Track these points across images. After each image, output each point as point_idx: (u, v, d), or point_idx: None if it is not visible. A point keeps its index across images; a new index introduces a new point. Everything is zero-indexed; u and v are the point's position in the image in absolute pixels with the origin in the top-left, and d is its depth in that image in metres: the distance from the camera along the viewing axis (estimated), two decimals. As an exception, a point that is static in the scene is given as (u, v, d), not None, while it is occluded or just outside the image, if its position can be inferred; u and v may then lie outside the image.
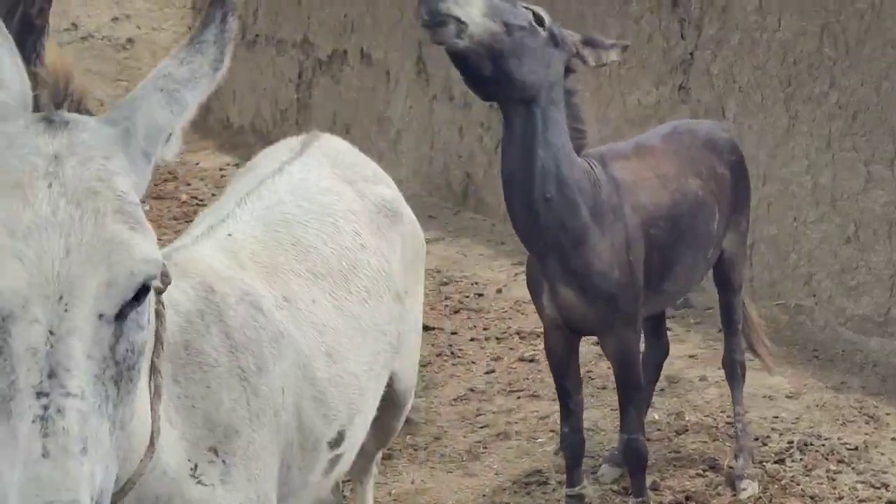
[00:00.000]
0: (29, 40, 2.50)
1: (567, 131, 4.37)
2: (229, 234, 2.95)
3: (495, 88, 4.24)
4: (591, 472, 5.38)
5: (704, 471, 5.44)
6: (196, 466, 2.46)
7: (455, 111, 10.53)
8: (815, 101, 6.94)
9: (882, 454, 5.50)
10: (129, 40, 15.79)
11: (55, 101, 1.96)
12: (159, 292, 2.22)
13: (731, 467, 5.30)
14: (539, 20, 4.19)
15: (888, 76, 6.47)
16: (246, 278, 2.78)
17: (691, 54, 7.80)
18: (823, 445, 5.60)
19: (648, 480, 5.20)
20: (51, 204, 1.79)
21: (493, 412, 6.22)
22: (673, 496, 5.17)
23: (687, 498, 5.18)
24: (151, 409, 2.25)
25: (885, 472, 5.30)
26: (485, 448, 5.77)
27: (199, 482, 2.45)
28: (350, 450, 3.12)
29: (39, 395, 1.71)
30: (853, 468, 5.37)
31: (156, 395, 2.27)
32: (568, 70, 4.42)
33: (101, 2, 15.50)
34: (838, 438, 5.68)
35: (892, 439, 5.65)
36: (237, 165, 13.13)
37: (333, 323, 2.98)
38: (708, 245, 4.99)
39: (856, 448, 5.56)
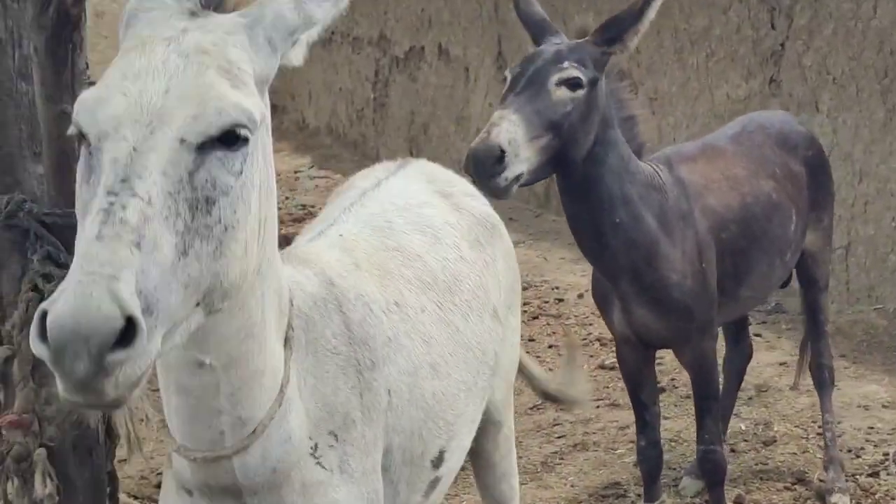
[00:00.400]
0: (65, 31, 2.51)
1: (623, 141, 4.27)
2: (340, 235, 3.00)
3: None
4: (672, 484, 5.36)
5: (793, 484, 5.37)
6: (316, 447, 2.52)
7: (536, 109, 10.52)
8: (915, 93, 6.85)
9: None
10: None
11: (204, 2, 2.19)
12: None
13: (821, 480, 5.22)
14: (576, 84, 3.99)
15: None
16: (360, 279, 2.81)
17: (782, 45, 7.72)
18: (922, 458, 5.52)
19: (733, 494, 5.16)
20: (163, 56, 2.03)
21: (571, 422, 6.19)
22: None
23: (774, 512, 5.13)
24: (284, 361, 2.41)
25: None
26: (561, 459, 5.76)
27: (318, 463, 2.52)
28: (447, 475, 3.05)
29: (110, 193, 1.89)
30: (957, 481, 5.29)
31: (288, 346, 2.44)
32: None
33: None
34: (941, 451, 5.59)
35: None
36: (312, 167, 13.28)
37: (438, 335, 2.95)
38: (785, 249, 4.91)
39: (958, 461, 5.46)
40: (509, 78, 4.08)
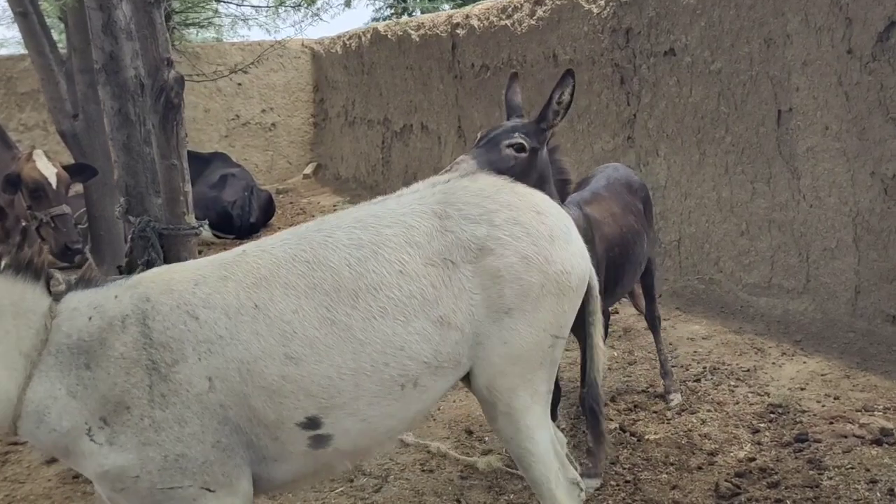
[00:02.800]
0: (170, 114, 2.52)
1: (554, 193, 4.05)
2: (243, 251, 2.64)
3: None
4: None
5: (647, 388, 5.41)
6: (90, 428, 2.37)
7: (483, 161, 10.55)
8: (717, 142, 6.88)
9: (766, 373, 5.43)
10: (273, 124, 15.96)
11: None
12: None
13: (663, 385, 5.26)
14: (521, 148, 3.88)
15: (763, 123, 6.40)
16: (208, 289, 2.47)
17: (634, 115, 7.76)
18: (727, 369, 5.55)
19: (607, 397, 5.19)
20: None
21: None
22: (626, 405, 5.15)
23: (635, 406, 5.15)
24: (23, 388, 2.33)
25: (767, 385, 5.24)
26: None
27: (91, 440, 2.38)
28: (342, 434, 2.58)
29: None
30: (746, 383, 5.31)
31: (27, 378, 2.33)
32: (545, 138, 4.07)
33: (254, 100, 15.69)
34: (737, 364, 5.62)
35: (772, 364, 5.57)
36: (345, 203, 13.29)
37: (310, 331, 2.49)
38: (642, 259, 4.92)
39: (748, 370, 5.50)
40: (478, 137, 4.00)
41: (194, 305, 2.41)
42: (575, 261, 2.92)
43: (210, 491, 2.40)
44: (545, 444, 2.88)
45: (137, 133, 2.62)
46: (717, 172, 6.91)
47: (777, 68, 6.20)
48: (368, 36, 13.57)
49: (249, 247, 2.68)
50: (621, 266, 4.65)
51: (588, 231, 4.36)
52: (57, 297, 2.45)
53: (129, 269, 2.75)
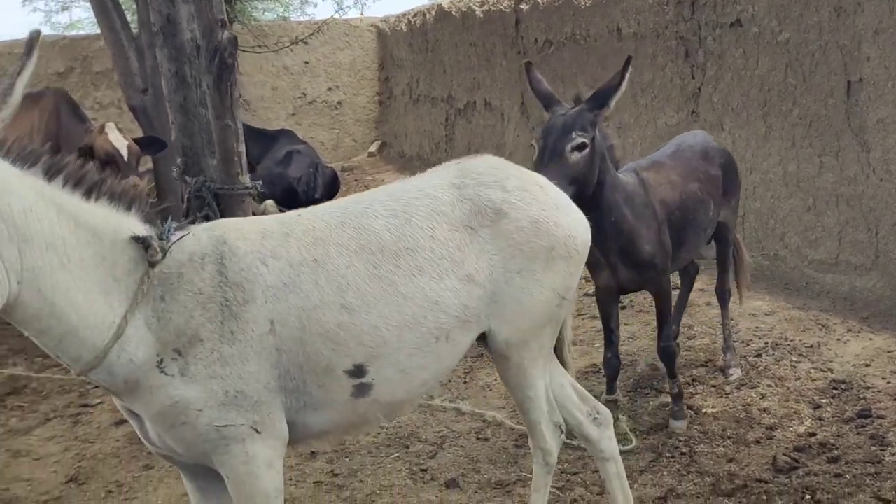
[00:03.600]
0: (225, 74, 2.56)
1: (611, 166, 4.17)
2: (299, 215, 2.80)
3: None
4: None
5: (706, 362, 5.33)
6: (161, 360, 2.41)
7: (546, 137, 10.49)
8: (783, 115, 6.71)
9: (829, 350, 5.30)
10: (339, 103, 16.07)
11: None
12: (152, 263, 2.37)
13: (723, 360, 5.18)
14: (582, 147, 3.89)
15: (832, 95, 6.21)
16: (274, 242, 2.60)
17: (699, 89, 7.62)
18: (789, 345, 5.43)
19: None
20: None
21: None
22: (685, 379, 5.08)
23: (693, 380, 5.09)
24: (126, 315, 2.34)
25: (830, 361, 5.12)
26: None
27: (161, 371, 2.41)
28: (382, 384, 2.72)
29: None
30: (808, 359, 5.19)
31: (132, 305, 2.36)
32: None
33: (320, 78, 15.82)
34: (800, 340, 5.50)
35: (837, 340, 5.44)
36: (408, 179, 13.34)
37: (362, 285, 2.64)
38: (706, 226, 4.85)
39: (811, 346, 5.37)
40: (537, 148, 3.96)
41: (263, 254, 2.53)
42: (580, 227, 3.09)
43: (257, 432, 2.50)
44: (542, 391, 3.16)
45: (193, 94, 2.67)
46: (784, 146, 6.73)
47: (847, 37, 6.00)
48: (433, 13, 13.55)
49: (303, 212, 2.85)
50: (683, 230, 4.62)
51: (644, 194, 4.39)
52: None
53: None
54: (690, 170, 4.83)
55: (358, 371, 2.65)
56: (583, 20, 9.22)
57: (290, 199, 11.46)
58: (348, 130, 16.13)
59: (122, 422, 5.09)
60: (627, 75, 3.94)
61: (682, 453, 4.25)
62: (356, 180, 13.83)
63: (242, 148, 2.83)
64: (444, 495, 4.02)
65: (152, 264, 2.32)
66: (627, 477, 4.06)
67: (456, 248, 2.80)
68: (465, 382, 5.40)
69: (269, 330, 2.48)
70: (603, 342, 4.76)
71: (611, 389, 4.69)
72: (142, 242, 2.34)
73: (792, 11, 6.42)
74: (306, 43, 11.91)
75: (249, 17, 12.34)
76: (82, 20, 18.86)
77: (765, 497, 3.79)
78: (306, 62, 15.41)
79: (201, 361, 2.40)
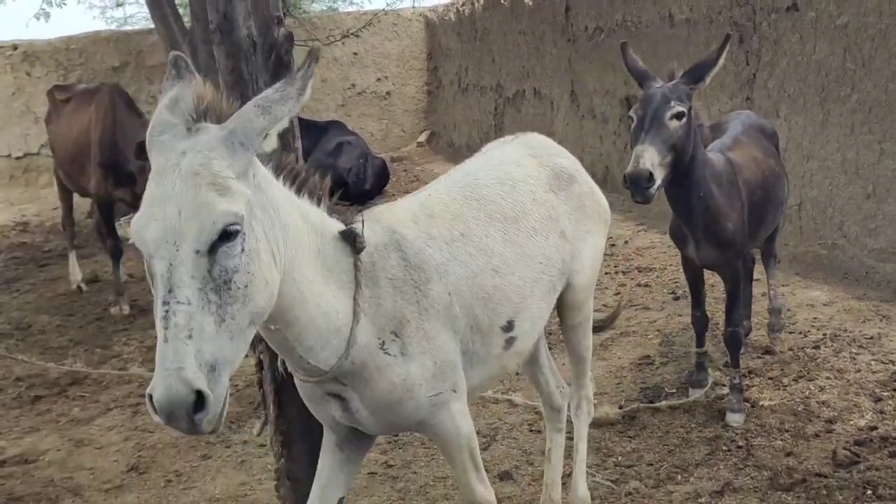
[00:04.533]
0: (282, 71, 2.58)
1: (700, 143, 4.25)
2: (428, 195, 2.98)
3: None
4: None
5: (762, 355, 5.24)
6: (383, 343, 2.53)
7: (596, 125, 10.41)
8: (842, 101, 6.56)
9: (891, 341, 5.18)
10: (388, 93, 16.12)
11: (195, 115, 2.06)
12: (358, 251, 2.48)
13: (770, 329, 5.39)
14: (681, 115, 3.97)
15: (893, 80, 6.06)
16: (427, 225, 2.78)
17: (753, 75, 7.49)
18: (848, 336, 5.33)
19: (721, 362, 5.08)
20: (172, 183, 1.96)
21: (619, 320, 6.12)
22: (743, 370, 5.01)
23: (750, 372, 5.01)
24: (354, 299, 2.43)
25: (891, 353, 5.01)
26: (612, 341, 5.72)
27: (385, 353, 2.53)
28: (522, 335, 3.02)
29: (164, 303, 1.91)
30: (869, 350, 5.09)
31: (358, 287, 2.46)
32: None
33: (369, 69, 15.87)
34: (859, 331, 5.38)
35: (898, 331, 5.33)
36: (457, 169, 13.33)
37: (500, 250, 2.92)
38: (784, 202, 5.08)
39: (871, 337, 5.26)
40: (635, 118, 4.02)
41: (423, 236, 2.74)
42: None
43: (454, 392, 2.72)
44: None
45: (250, 91, 2.68)
46: (843, 133, 6.59)
47: (909, 21, 5.84)
48: (482, 2, 13.50)
49: (426, 193, 3.03)
50: (764, 207, 4.76)
51: (732, 175, 4.49)
52: None
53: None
54: (763, 147, 4.98)
55: (509, 325, 2.94)
56: (634, 6, 9.11)
57: (341, 189, 11.57)
58: (397, 121, 16.16)
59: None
60: (725, 52, 4.06)
61: (739, 446, 4.20)
62: (405, 170, 13.87)
63: (299, 144, 2.85)
64: (497, 487, 4.02)
65: (359, 253, 2.47)
66: (683, 470, 4.05)
67: (552, 208, 3.18)
68: (517, 374, 5.39)
69: (449, 301, 2.71)
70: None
71: (700, 343, 4.92)
72: (350, 235, 2.49)
73: (851, -6, 6.28)
74: (357, 36, 11.94)
75: (300, 10, 12.40)
76: (135, 15, 19.10)
77: (825, 492, 3.73)
78: (355, 53, 15.47)
79: (413, 339, 2.58)
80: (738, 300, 4.64)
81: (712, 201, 4.31)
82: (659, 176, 3.93)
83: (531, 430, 4.62)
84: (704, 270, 4.85)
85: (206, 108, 2.07)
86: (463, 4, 14.38)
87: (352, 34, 10.87)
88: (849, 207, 6.62)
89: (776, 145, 5.26)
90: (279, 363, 2.66)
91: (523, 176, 3.17)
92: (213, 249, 1.96)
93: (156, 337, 1.95)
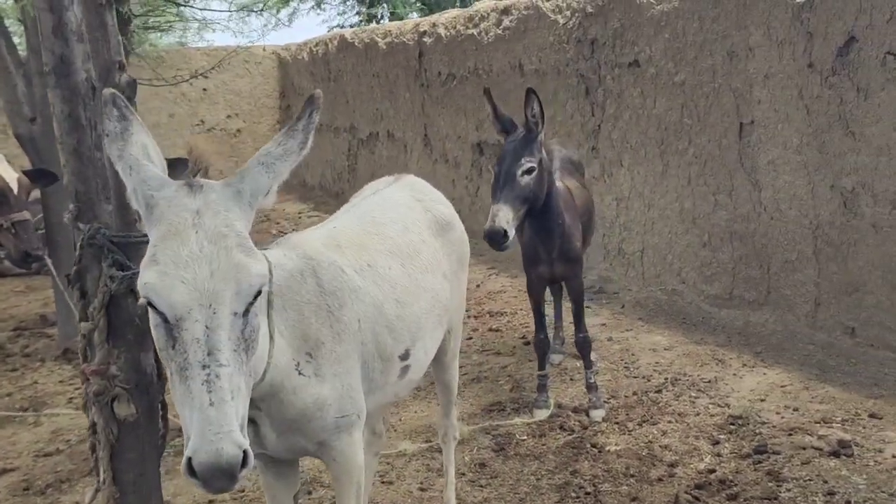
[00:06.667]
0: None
1: (554, 178, 4.90)
2: (334, 227, 3.13)
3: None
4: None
5: (608, 399, 5.37)
6: (298, 364, 2.57)
7: (449, 169, 10.53)
8: (680, 154, 6.91)
9: (726, 385, 5.43)
10: (238, 130, 15.82)
11: (193, 172, 2.04)
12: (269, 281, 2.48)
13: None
14: (532, 170, 4.51)
15: (725, 135, 6.44)
16: (337, 254, 2.87)
17: (599, 126, 7.78)
18: (688, 380, 5.55)
19: (570, 408, 5.18)
20: (198, 244, 1.95)
21: (471, 364, 6.17)
22: (586, 418, 5.12)
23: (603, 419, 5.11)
24: (269, 324, 2.42)
25: (727, 396, 5.24)
26: (464, 387, 5.73)
27: (300, 374, 2.57)
28: (415, 364, 3.17)
29: (204, 366, 1.89)
30: (707, 394, 5.31)
31: (269, 314, 2.45)
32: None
33: (219, 105, 15.55)
34: (698, 375, 5.62)
35: (733, 375, 5.58)
36: (310, 210, 13.18)
37: (402, 282, 3.07)
38: (593, 226, 5.92)
39: (709, 381, 5.50)
40: (494, 173, 4.54)
41: (336, 263, 2.82)
42: None
43: (358, 417, 2.79)
44: None
45: (88, 137, 2.54)
46: (680, 184, 6.94)
47: (739, 81, 6.24)
48: (335, 43, 13.51)
49: (330, 225, 3.18)
50: (588, 229, 5.50)
51: (571, 200, 5.10)
52: None
53: (77, 278, 2.67)
54: (578, 178, 5.65)
55: (406, 354, 3.07)
56: (485, 55, 9.33)
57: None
58: (248, 158, 15.75)
59: (5, 472, 4.83)
60: (534, 104, 4.55)
61: (588, 493, 4.27)
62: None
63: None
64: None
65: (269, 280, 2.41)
66: (534, 520, 4.07)
67: (436, 251, 3.40)
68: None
69: (357, 328, 2.80)
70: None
71: (542, 366, 5.31)
72: None
73: (687, 54, 6.65)
74: (206, 77, 11.70)
75: (146, 44, 12.00)
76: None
77: (668, 537, 3.84)
78: (204, 89, 15.12)
79: (327, 361, 2.64)
80: (583, 309, 5.25)
81: (565, 226, 4.93)
82: (512, 229, 4.44)
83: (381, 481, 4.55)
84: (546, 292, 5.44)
85: (206, 166, 2.07)
86: (316, 45, 14.34)
87: (201, 74, 10.63)
88: (686, 255, 6.95)
89: (583, 174, 6.03)
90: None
91: (412, 218, 3.39)
92: (246, 311, 2.00)
93: None
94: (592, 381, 5.16)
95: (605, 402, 5.27)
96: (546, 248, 4.96)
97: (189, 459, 1.84)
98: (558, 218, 4.84)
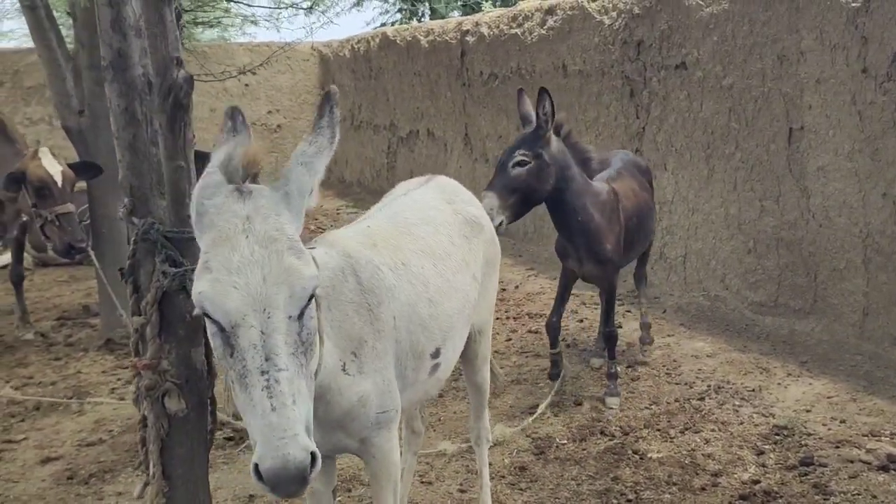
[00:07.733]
0: (178, 114, 2.46)
1: (579, 173, 5.00)
2: (368, 226, 3.13)
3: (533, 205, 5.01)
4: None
5: (649, 405, 5.32)
6: (344, 364, 2.57)
7: (489, 169, 10.49)
8: (726, 158, 6.82)
9: (771, 394, 5.35)
10: (279, 126, 15.91)
11: (243, 178, 2.07)
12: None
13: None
14: (523, 163, 4.77)
15: (774, 140, 6.34)
16: (373, 252, 2.88)
17: (643, 128, 7.71)
18: (731, 388, 5.47)
19: (609, 414, 5.14)
20: (249, 248, 1.94)
21: (510, 366, 6.13)
22: (628, 421, 5.07)
23: (645, 426, 5.06)
24: (319, 334, 2.38)
25: (772, 406, 5.16)
26: (503, 390, 5.70)
27: (346, 373, 2.58)
28: (445, 363, 3.20)
29: (263, 372, 1.88)
30: (751, 403, 5.23)
31: (319, 311, 2.39)
32: (559, 129, 4.98)
33: (260, 101, 15.64)
34: (741, 384, 5.54)
35: (778, 385, 5.50)
36: (349, 206, 13.20)
37: (434, 282, 3.09)
38: (653, 230, 5.94)
39: (753, 390, 5.41)
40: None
41: (374, 261, 2.83)
42: None
43: (396, 412, 2.82)
44: None
45: (144, 133, 2.55)
46: (726, 189, 6.84)
47: (790, 85, 6.14)
48: (377, 40, 13.52)
49: (364, 224, 3.19)
50: (637, 233, 5.47)
51: (614, 202, 5.22)
52: None
53: (130, 273, 2.68)
54: (640, 181, 5.70)
55: (437, 353, 3.09)
56: (528, 55, 9.28)
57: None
58: (287, 154, 15.46)
59: (49, 460, 4.87)
60: (546, 103, 4.75)
61: (629, 500, 4.22)
62: (295, 205, 13.65)
63: (193, 175, 2.72)
64: None
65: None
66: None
67: (466, 252, 3.41)
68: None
69: (393, 325, 2.80)
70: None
71: (554, 344, 5.51)
72: None
73: (736, 57, 6.55)
74: (254, 73, 11.78)
75: (191, 39, 12.10)
76: (13, 31, 18.29)
77: (712, 548, 3.78)
78: (246, 85, 15.22)
79: (369, 358, 2.66)
80: (613, 307, 5.40)
81: (593, 224, 5.01)
82: (500, 216, 4.70)
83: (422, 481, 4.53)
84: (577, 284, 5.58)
85: (256, 173, 2.09)
86: (358, 42, 14.37)
87: (249, 71, 10.70)
88: (731, 261, 6.85)
89: (650, 181, 6.01)
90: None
91: (442, 220, 3.38)
92: (301, 314, 1.99)
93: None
94: (613, 370, 5.35)
95: (645, 407, 5.21)
96: (573, 244, 5.14)
97: (256, 465, 1.83)
98: (578, 215, 4.97)
